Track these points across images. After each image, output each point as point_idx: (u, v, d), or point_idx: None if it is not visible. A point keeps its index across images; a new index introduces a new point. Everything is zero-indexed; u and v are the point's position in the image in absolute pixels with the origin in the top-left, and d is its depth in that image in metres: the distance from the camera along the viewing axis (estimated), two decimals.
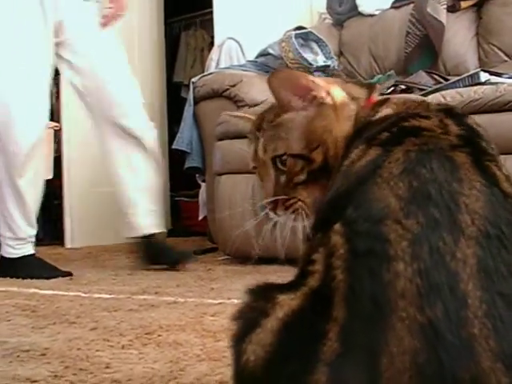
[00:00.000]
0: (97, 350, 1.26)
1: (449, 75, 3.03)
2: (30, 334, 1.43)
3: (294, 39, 3.19)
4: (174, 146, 3.19)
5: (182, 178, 4.04)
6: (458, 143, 0.68)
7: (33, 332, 1.44)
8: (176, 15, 5.39)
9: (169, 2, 4.66)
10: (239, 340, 0.65)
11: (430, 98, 2.48)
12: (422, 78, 2.91)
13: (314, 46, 3.34)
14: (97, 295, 1.96)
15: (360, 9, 3.55)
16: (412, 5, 3.34)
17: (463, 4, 3.24)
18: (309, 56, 3.23)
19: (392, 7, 3.50)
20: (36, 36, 2.38)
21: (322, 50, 3.34)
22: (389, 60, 3.37)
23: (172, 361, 1.16)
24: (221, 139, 2.82)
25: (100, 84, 2.51)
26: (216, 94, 3.07)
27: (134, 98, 2.62)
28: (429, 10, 3.19)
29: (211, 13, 4.12)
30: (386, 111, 0.81)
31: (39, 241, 2.84)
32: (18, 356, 1.22)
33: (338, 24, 3.66)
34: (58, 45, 2.48)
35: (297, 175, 0.86)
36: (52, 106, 3.01)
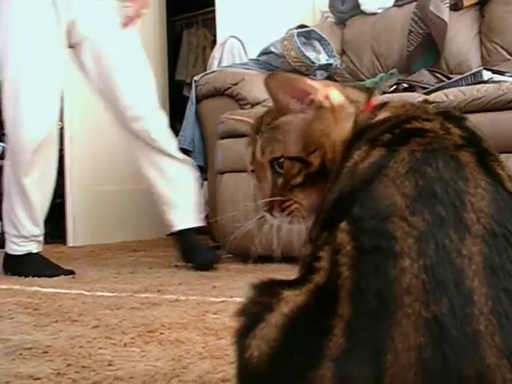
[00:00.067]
0: (99, 348, 1.26)
1: (451, 74, 3.03)
2: (32, 331, 1.43)
3: (296, 38, 3.19)
4: None
5: None
6: (462, 143, 0.69)
7: (35, 330, 1.45)
8: (178, 14, 5.39)
9: (171, 0, 4.66)
10: (243, 335, 0.65)
11: (433, 97, 2.48)
12: (424, 76, 2.91)
13: (317, 44, 3.34)
14: (99, 293, 1.96)
15: (362, 7, 3.55)
16: (414, 3, 3.34)
17: (466, 2, 3.24)
18: (311, 54, 3.22)
19: (394, 5, 3.49)
20: (48, 35, 2.37)
21: (324, 49, 3.33)
22: (391, 58, 3.37)
23: (174, 359, 1.16)
24: (223, 138, 2.82)
25: (112, 86, 2.48)
26: (218, 93, 3.07)
27: (150, 101, 2.57)
28: (431, 8, 3.18)
29: (213, 11, 4.12)
30: (384, 114, 0.81)
31: None
32: (21, 354, 1.22)
33: (341, 22, 3.65)
34: (72, 44, 2.48)
35: (294, 178, 0.86)
36: None
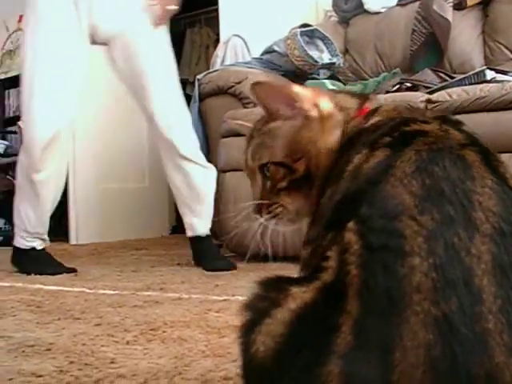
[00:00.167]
0: (102, 346, 1.26)
1: (454, 73, 3.02)
2: (35, 329, 1.43)
3: (299, 36, 3.19)
4: None
5: None
6: (465, 142, 0.69)
7: (38, 327, 1.45)
8: (181, 12, 5.34)
9: None
10: (248, 330, 0.65)
11: (436, 96, 2.48)
12: (427, 75, 2.91)
13: (320, 43, 3.34)
14: (101, 291, 1.96)
15: (366, 6, 3.55)
16: (418, 2, 3.34)
17: (469, 2, 3.23)
18: (314, 53, 3.22)
19: (398, 5, 3.49)
20: (67, 34, 2.36)
21: (327, 48, 3.33)
22: (394, 58, 3.37)
23: (177, 356, 1.16)
24: (226, 136, 2.82)
25: (141, 89, 2.47)
26: (221, 91, 3.07)
27: (177, 108, 2.55)
28: (435, 7, 3.18)
29: (216, 10, 4.12)
30: (376, 118, 0.81)
31: None
32: (23, 351, 1.22)
33: (344, 21, 3.65)
34: (103, 42, 2.47)
35: (279, 182, 0.88)
36: None
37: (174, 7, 2.48)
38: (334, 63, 3.29)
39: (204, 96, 3.14)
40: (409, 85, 2.81)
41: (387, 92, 2.76)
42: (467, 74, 2.67)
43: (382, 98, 2.47)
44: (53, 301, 1.79)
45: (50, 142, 2.35)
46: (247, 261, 2.56)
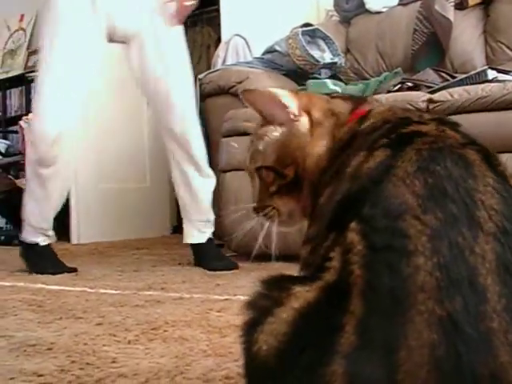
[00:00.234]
0: (103, 345, 1.26)
1: (456, 73, 3.02)
2: (36, 328, 1.43)
3: (300, 36, 3.18)
4: None
5: None
6: (465, 141, 0.69)
7: (39, 327, 1.45)
8: None
9: None
10: (251, 329, 0.65)
11: (438, 96, 2.48)
12: (429, 75, 2.91)
13: (321, 43, 3.34)
14: (103, 291, 1.96)
15: (367, 6, 3.54)
16: (419, 2, 3.33)
17: (471, 1, 3.23)
18: (316, 53, 3.22)
19: (399, 4, 3.49)
20: (81, 33, 2.36)
21: (328, 47, 3.33)
22: (396, 57, 3.37)
23: (178, 356, 1.16)
24: (227, 136, 2.82)
25: (153, 93, 2.48)
26: (222, 91, 3.07)
27: (190, 116, 2.55)
28: (436, 7, 3.18)
29: (217, 10, 4.11)
30: (371, 120, 0.81)
31: None
32: (25, 350, 1.22)
33: (345, 21, 3.65)
34: (121, 40, 2.48)
35: (270, 186, 0.90)
36: None
37: (192, 2, 2.46)
38: (335, 63, 3.29)
39: (205, 96, 3.14)
40: (410, 84, 2.81)
41: (389, 92, 2.76)
42: (469, 74, 2.67)
43: (384, 98, 2.47)
44: (54, 300, 1.79)
45: (58, 138, 2.36)
46: (248, 260, 2.57)
